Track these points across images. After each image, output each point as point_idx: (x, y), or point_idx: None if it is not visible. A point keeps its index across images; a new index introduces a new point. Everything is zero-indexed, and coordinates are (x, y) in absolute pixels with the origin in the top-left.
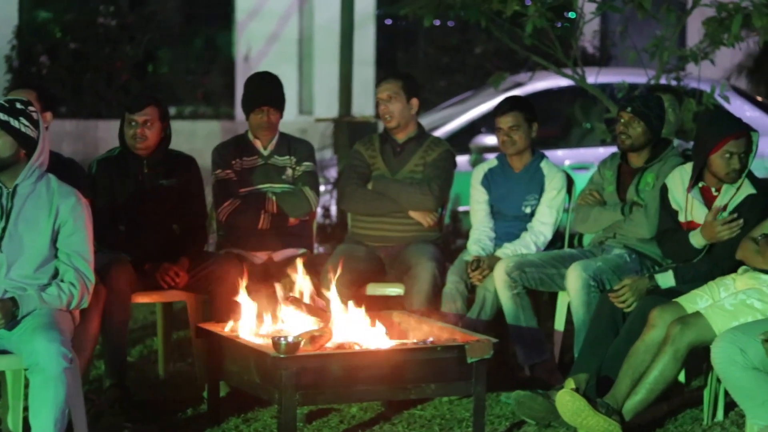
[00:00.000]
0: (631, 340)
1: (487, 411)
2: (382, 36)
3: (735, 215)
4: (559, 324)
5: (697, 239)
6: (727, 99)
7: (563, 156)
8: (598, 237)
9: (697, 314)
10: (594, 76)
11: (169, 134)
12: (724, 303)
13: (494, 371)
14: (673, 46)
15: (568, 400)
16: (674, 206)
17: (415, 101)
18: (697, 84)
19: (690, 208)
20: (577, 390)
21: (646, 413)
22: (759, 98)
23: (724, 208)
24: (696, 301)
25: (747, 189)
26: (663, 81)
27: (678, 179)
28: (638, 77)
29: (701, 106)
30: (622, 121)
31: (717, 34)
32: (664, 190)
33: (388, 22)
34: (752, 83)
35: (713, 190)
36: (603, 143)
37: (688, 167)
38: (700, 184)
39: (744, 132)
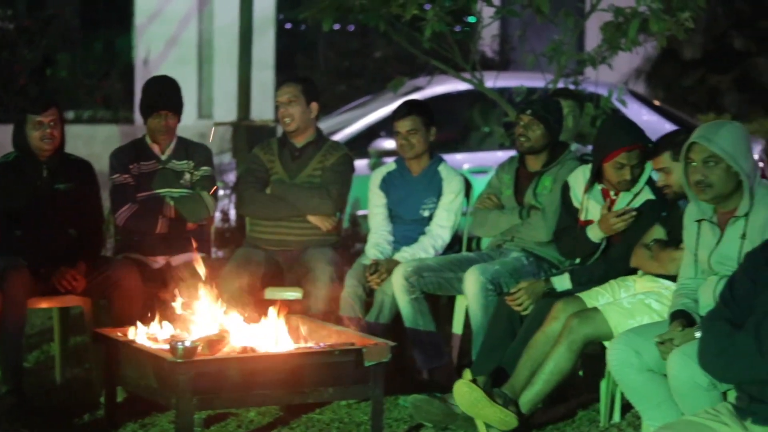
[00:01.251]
0: (528, 339)
1: (385, 414)
2: (282, 40)
3: (629, 207)
4: (457, 327)
5: (594, 232)
6: (624, 103)
7: (462, 160)
8: (496, 240)
9: (595, 309)
10: (493, 80)
11: (64, 138)
12: (623, 301)
13: (392, 374)
14: (571, 50)
15: (465, 391)
16: (575, 204)
17: (314, 105)
18: (595, 88)
19: (588, 208)
20: (474, 381)
21: (544, 414)
22: (656, 102)
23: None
24: (597, 298)
25: (646, 194)
26: (561, 85)
27: (580, 178)
28: (537, 81)
29: (599, 111)
30: (522, 123)
31: (615, 39)
32: (565, 188)
33: (288, 26)
34: (650, 87)
35: (612, 193)
36: (502, 147)
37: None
38: (600, 186)
39: (638, 145)
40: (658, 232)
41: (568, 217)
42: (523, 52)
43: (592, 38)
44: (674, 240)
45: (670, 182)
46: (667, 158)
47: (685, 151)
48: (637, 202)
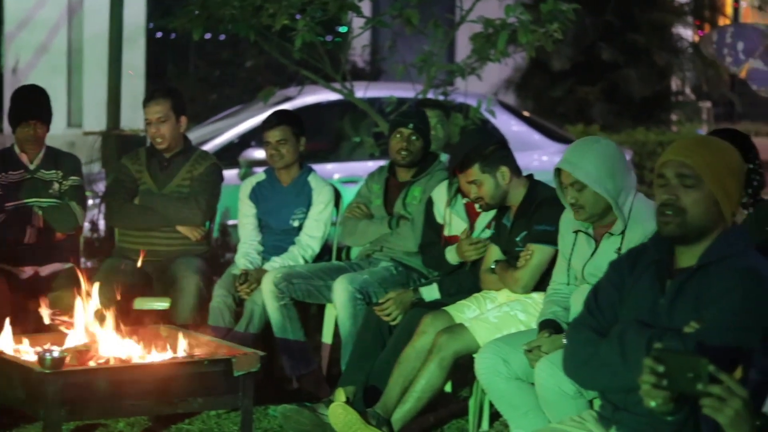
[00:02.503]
0: (397, 353)
1: (255, 424)
2: (153, 49)
3: (480, 238)
4: (327, 336)
5: (451, 255)
6: (493, 113)
7: (333, 170)
8: (366, 250)
9: (462, 326)
10: (363, 91)
11: None
12: (489, 315)
13: (262, 384)
14: (441, 61)
15: (340, 413)
16: (439, 220)
17: (183, 119)
18: (465, 99)
19: (451, 222)
20: (348, 401)
21: (413, 424)
22: (525, 113)
23: (489, 225)
24: (464, 311)
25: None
26: (431, 95)
27: (444, 193)
28: (407, 92)
29: (468, 121)
30: (399, 137)
31: (484, 50)
32: (429, 204)
33: (159, 35)
34: (520, 98)
35: (477, 206)
36: (372, 157)
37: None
38: (464, 200)
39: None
40: (495, 252)
41: (431, 233)
42: (393, 63)
43: (462, 49)
44: (511, 256)
45: (481, 194)
46: (476, 171)
47: (556, 172)
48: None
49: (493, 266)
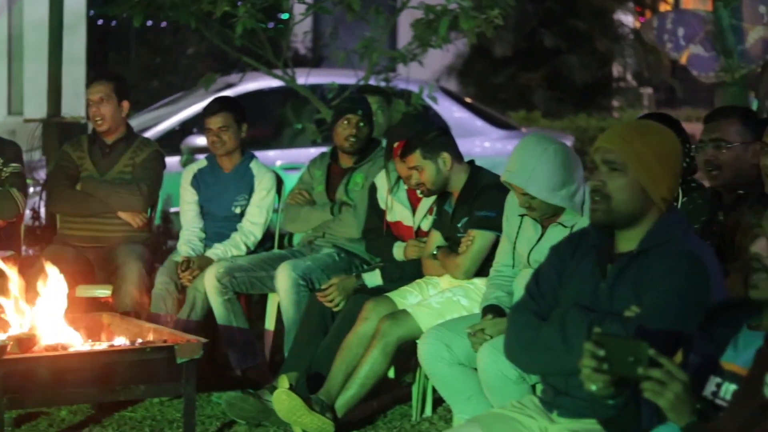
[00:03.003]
0: (340, 339)
1: (198, 411)
2: (94, 36)
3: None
4: (270, 323)
5: (398, 252)
6: (435, 100)
7: (275, 156)
8: (308, 236)
9: (405, 312)
10: (305, 77)
11: None
12: (432, 301)
13: (205, 371)
14: (382, 47)
15: (284, 399)
16: (382, 206)
17: (126, 104)
18: (407, 85)
19: (393, 208)
20: (291, 388)
21: (356, 410)
22: (468, 100)
23: (430, 211)
24: (406, 296)
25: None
26: (372, 82)
27: (386, 179)
28: (349, 78)
29: (410, 108)
30: (346, 123)
31: (425, 36)
32: (372, 189)
33: (100, 22)
34: (462, 84)
35: (419, 192)
36: (314, 143)
37: None
38: (406, 186)
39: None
40: (437, 239)
41: (375, 219)
42: (335, 49)
43: (404, 35)
44: (453, 242)
45: (423, 180)
46: (418, 157)
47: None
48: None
49: (435, 252)
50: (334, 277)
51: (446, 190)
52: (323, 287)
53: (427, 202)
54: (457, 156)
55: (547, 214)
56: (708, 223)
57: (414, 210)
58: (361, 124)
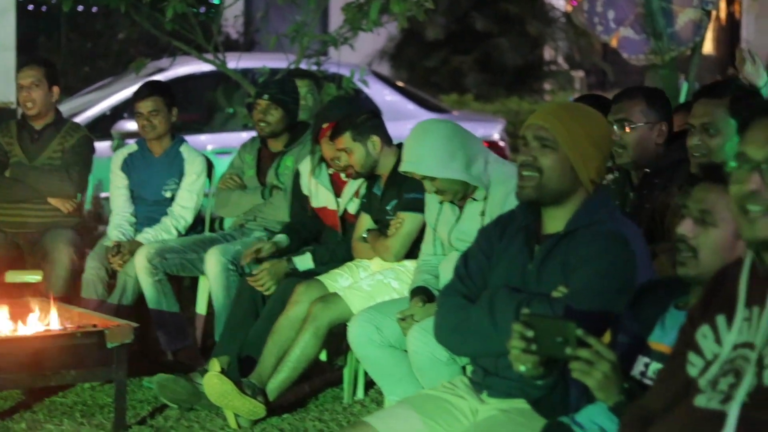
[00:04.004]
0: (271, 322)
1: (129, 396)
2: (24, 21)
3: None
4: (201, 308)
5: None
6: (366, 83)
7: (206, 141)
8: (239, 220)
9: (336, 295)
10: (236, 62)
11: None
12: (362, 284)
13: (136, 356)
14: (313, 31)
15: (215, 383)
16: (305, 191)
17: (56, 89)
18: (338, 69)
19: (317, 194)
20: (222, 371)
21: (288, 393)
22: (399, 83)
23: (356, 194)
24: (337, 279)
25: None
26: (304, 66)
27: (309, 165)
28: (280, 62)
29: (341, 91)
30: (259, 108)
31: (356, 20)
32: (296, 176)
33: (30, 7)
34: (394, 68)
35: (343, 175)
36: (245, 128)
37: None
38: (330, 170)
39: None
40: (367, 221)
41: (297, 205)
42: (266, 33)
43: (335, 19)
44: (383, 225)
45: (351, 162)
46: (348, 139)
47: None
48: (365, 186)
49: (365, 235)
50: (265, 261)
51: (375, 173)
52: (254, 272)
53: (353, 186)
54: (386, 139)
55: (459, 194)
56: (621, 203)
57: (337, 193)
58: (271, 108)
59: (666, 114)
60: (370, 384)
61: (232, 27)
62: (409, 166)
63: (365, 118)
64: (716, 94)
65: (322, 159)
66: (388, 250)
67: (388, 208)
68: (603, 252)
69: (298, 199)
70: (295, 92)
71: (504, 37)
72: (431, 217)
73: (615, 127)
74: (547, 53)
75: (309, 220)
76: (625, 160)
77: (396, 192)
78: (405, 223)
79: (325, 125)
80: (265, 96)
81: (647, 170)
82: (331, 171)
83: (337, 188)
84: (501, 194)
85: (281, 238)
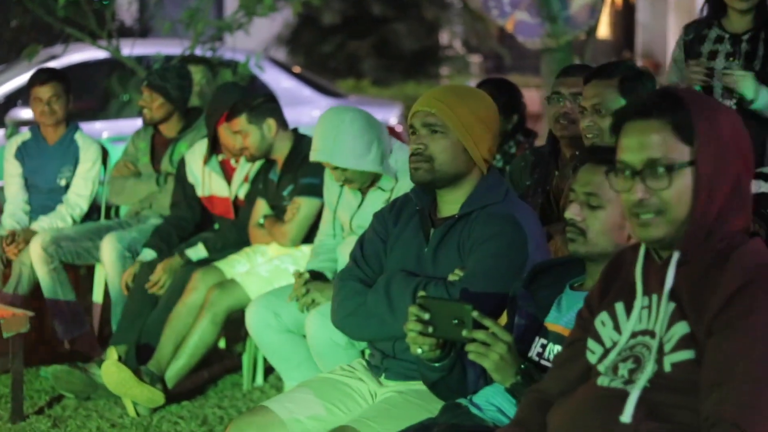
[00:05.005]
0: (169, 310)
1: (27, 386)
2: None
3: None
4: (97, 296)
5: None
6: (262, 69)
7: (101, 128)
8: (135, 208)
9: (234, 281)
10: (130, 48)
11: None
12: (260, 270)
13: (33, 346)
14: (208, 17)
15: (113, 371)
16: (191, 180)
17: None
18: (233, 55)
19: (209, 181)
20: (120, 359)
21: (187, 381)
22: (296, 69)
23: (246, 178)
24: (234, 266)
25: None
26: (199, 52)
27: (198, 153)
28: (175, 48)
29: (236, 77)
30: (143, 95)
31: (251, 5)
32: (181, 164)
33: None
34: (291, 54)
35: (233, 161)
36: (140, 115)
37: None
38: (220, 157)
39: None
40: (263, 207)
41: (181, 192)
42: (160, 20)
43: (231, 4)
44: (279, 210)
45: (246, 145)
46: (243, 121)
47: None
48: (257, 166)
49: (261, 221)
50: (158, 265)
51: (270, 158)
52: (152, 278)
53: (242, 171)
54: (282, 123)
55: (366, 182)
56: (543, 180)
57: (228, 180)
58: (154, 94)
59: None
60: (269, 370)
61: (126, 13)
62: (322, 156)
63: (261, 102)
64: (606, 75)
65: (214, 145)
66: (284, 236)
67: (285, 193)
68: (497, 234)
69: (182, 187)
70: (180, 78)
71: (401, 22)
72: (331, 199)
73: (566, 101)
74: (444, 38)
75: (189, 210)
76: (570, 133)
77: (292, 177)
78: (301, 208)
79: (220, 111)
80: (145, 83)
81: (577, 152)
82: (221, 157)
83: (227, 175)
84: (408, 183)
85: (146, 254)
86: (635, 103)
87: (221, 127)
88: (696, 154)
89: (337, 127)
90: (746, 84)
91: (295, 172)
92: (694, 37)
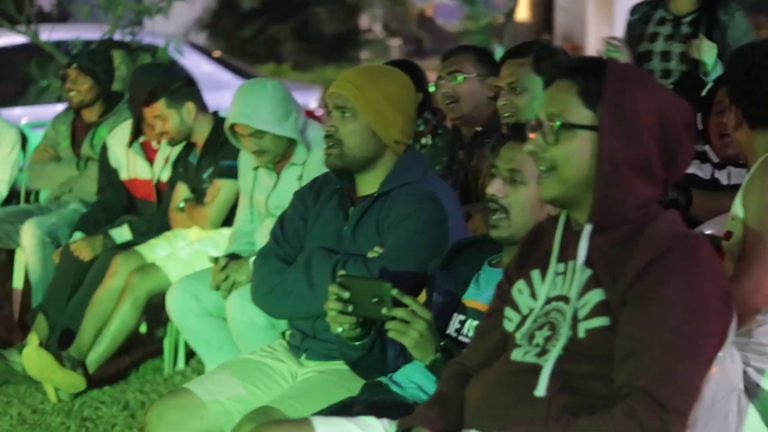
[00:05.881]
0: (90, 294)
1: None
2: None
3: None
4: (17, 282)
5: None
6: (181, 53)
7: (21, 114)
8: (55, 192)
9: (154, 265)
10: (49, 33)
11: None
12: (181, 253)
13: None
14: (127, 1)
15: (34, 357)
16: (114, 164)
17: None
18: (153, 39)
19: (132, 164)
20: (41, 344)
21: (108, 366)
22: (216, 53)
23: (166, 160)
24: (155, 249)
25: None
26: (118, 36)
27: (120, 137)
28: (94, 33)
29: (156, 61)
30: (70, 78)
31: None
32: (104, 149)
33: None
34: (210, 38)
35: (154, 143)
36: (60, 100)
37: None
38: (141, 139)
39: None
40: (183, 191)
41: (105, 177)
42: (79, 4)
43: None
44: (199, 193)
45: (166, 129)
46: (162, 105)
47: (230, 126)
48: (177, 148)
49: (181, 205)
50: (80, 239)
51: (190, 141)
52: (72, 248)
53: (163, 153)
54: (201, 106)
55: (278, 156)
56: (450, 161)
57: (151, 163)
58: (80, 77)
59: (495, 70)
60: (190, 354)
61: None
62: (241, 118)
63: (180, 85)
64: (520, 54)
65: (139, 127)
66: (205, 218)
67: (204, 176)
68: (415, 212)
69: (106, 172)
70: (106, 62)
71: (321, 5)
72: (246, 184)
73: (445, 81)
74: (364, 22)
75: (115, 194)
76: (458, 113)
77: (212, 160)
78: (221, 190)
79: (144, 92)
80: (74, 65)
81: (478, 129)
82: (142, 139)
83: (149, 157)
84: (319, 159)
85: (76, 237)
86: (560, 62)
87: (147, 110)
88: (598, 121)
89: (257, 92)
90: (709, 54)
91: (215, 154)
92: (639, 17)
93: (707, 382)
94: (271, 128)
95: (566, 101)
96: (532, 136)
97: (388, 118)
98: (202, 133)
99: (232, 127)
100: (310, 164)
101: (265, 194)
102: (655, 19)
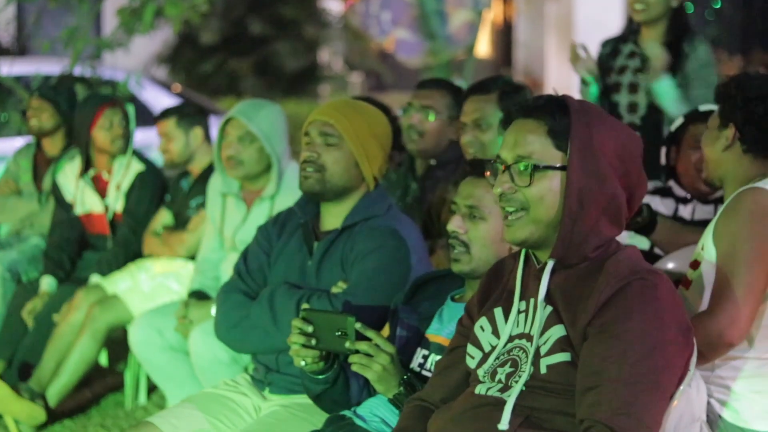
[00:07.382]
0: (46, 326)
1: None
2: None
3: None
4: None
5: None
6: (141, 87)
7: None
8: (16, 227)
9: (116, 297)
10: (8, 67)
11: None
12: (143, 285)
13: None
14: (87, 35)
15: None
16: (69, 200)
17: None
18: (113, 73)
19: (84, 198)
20: (1, 377)
21: (70, 399)
22: (176, 87)
23: (117, 187)
24: (117, 283)
25: (136, 166)
26: (78, 71)
27: (69, 172)
28: (54, 67)
29: (116, 95)
30: (32, 107)
31: (130, 23)
32: (55, 186)
33: None
34: (171, 72)
35: (104, 174)
36: (20, 134)
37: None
38: (92, 172)
39: (116, 101)
40: (166, 217)
41: (62, 213)
42: (39, 38)
43: (110, 23)
44: (181, 222)
45: (169, 148)
46: (172, 123)
47: (223, 124)
48: (129, 175)
49: (159, 230)
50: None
51: (186, 169)
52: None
53: (114, 181)
54: (206, 136)
55: (251, 174)
56: (403, 194)
57: (102, 196)
58: (43, 105)
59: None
60: (153, 388)
61: (3, 32)
62: (241, 116)
63: (194, 110)
64: (485, 90)
65: (87, 163)
66: (182, 243)
67: (192, 203)
68: (379, 247)
69: (63, 207)
70: (69, 94)
71: (281, 40)
72: (215, 212)
73: (416, 113)
74: (325, 56)
75: (71, 231)
76: (420, 147)
77: (203, 190)
78: (206, 221)
79: (89, 119)
80: (36, 94)
81: (432, 162)
82: (92, 172)
83: (100, 189)
84: (289, 200)
85: (46, 282)
86: (523, 102)
87: (94, 129)
88: (568, 161)
89: (266, 107)
90: (653, 48)
91: (207, 185)
92: (610, 51)
93: (667, 414)
94: (263, 138)
95: (535, 142)
96: (488, 174)
97: (371, 151)
98: (200, 163)
99: (224, 128)
100: (280, 203)
101: (233, 227)
102: (624, 53)
